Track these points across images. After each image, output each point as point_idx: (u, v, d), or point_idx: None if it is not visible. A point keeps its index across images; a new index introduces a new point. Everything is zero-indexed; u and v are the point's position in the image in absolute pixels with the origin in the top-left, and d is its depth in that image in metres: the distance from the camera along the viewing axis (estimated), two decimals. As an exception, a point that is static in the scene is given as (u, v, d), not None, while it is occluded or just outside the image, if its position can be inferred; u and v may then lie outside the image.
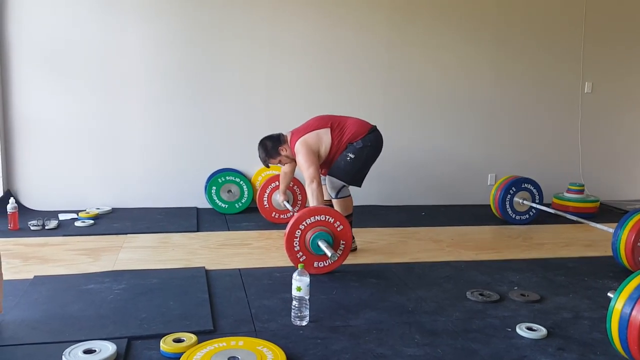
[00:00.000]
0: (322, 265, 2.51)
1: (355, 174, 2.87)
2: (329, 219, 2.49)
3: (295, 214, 2.59)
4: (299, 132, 2.89)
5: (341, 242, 2.52)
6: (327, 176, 2.88)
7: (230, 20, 3.78)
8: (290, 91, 3.95)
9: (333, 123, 2.89)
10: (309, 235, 2.45)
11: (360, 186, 2.94)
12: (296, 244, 2.46)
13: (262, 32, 3.84)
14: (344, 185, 2.85)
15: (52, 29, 3.53)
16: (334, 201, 2.87)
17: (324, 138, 2.84)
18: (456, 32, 4.14)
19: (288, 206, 3.27)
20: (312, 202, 2.71)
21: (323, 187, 3.08)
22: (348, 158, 2.83)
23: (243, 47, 3.82)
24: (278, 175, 3.42)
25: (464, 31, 4.15)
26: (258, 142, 2.96)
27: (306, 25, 3.91)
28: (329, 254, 2.34)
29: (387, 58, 4.07)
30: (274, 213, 3.51)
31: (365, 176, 2.94)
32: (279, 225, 3.46)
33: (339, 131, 2.87)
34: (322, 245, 2.40)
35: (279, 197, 3.35)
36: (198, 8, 3.71)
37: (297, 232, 2.46)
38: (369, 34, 4.00)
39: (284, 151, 2.91)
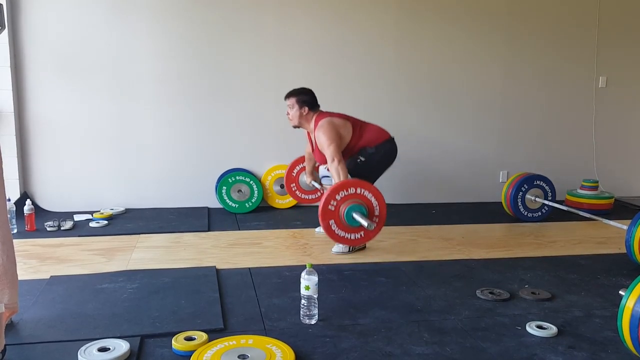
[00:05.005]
0: (353, 237, 2.53)
1: (361, 177, 2.88)
2: (365, 192, 2.49)
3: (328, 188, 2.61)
4: (328, 113, 2.91)
5: (375, 217, 2.53)
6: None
7: (240, 21, 3.80)
8: (299, 91, 3.97)
9: (355, 123, 2.91)
10: (343, 207, 2.46)
11: None
12: (332, 207, 2.47)
13: (272, 32, 3.86)
14: None
15: (66, 33, 3.60)
16: None
17: (348, 129, 2.86)
18: (467, 27, 4.11)
19: (317, 185, 3.28)
20: (337, 180, 2.69)
21: None
22: (358, 160, 2.85)
23: (252, 47, 3.85)
24: (303, 158, 3.45)
25: (476, 26, 4.12)
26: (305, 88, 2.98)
27: (315, 24, 3.92)
28: (365, 223, 2.34)
29: (396, 55, 4.05)
30: (301, 193, 3.56)
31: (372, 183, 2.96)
32: (292, 219, 3.49)
33: (359, 131, 2.88)
34: (358, 216, 2.40)
35: (306, 178, 3.37)
36: (208, 9, 3.75)
37: (332, 202, 2.47)
38: (378, 31, 4.00)
39: (304, 112, 2.91)
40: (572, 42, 4.30)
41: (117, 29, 3.65)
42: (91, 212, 3.60)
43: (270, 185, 3.96)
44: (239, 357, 1.67)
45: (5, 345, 1.68)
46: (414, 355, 1.74)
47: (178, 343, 1.74)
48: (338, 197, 2.48)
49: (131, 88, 3.73)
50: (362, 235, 2.55)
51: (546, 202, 3.65)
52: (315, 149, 2.96)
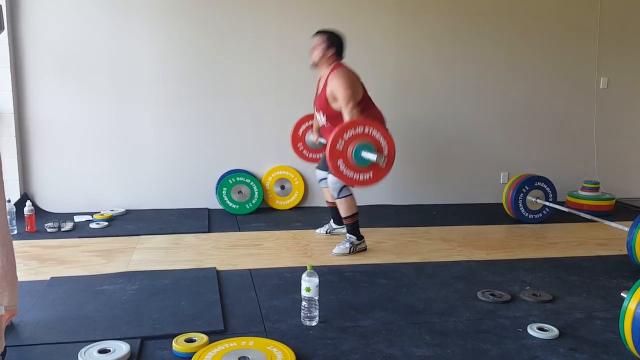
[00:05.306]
0: (362, 177, 2.48)
1: None
2: (373, 132, 2.45)
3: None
4: (348, 68, 2.85)
5: (384, 157, 2.46)
6: (328, 176, 2.87)
7: (240, 21, 3.80)
8: (299, 91, 3.96)
9: (365, 94, 2.87)
10: (351, 147, 2.41)
11: None
12: (339, 146, 2.43)
13: (272, 33, 3.86)
14: (345, 186, 2.84)
15: (66, 33, 3.59)
16: (337, 201, 2.88)
17: (361, 90, 2.82)
18: (467, 28, 4.10)
19: (323, 141, 3.25)
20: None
21: (325, 190, 3.08)
22: None
23: (252, 48, 3.84)
24: (307, 117, 3.38)
25: (476, 27, 4.11)
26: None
27: (315, 24, 3.88)
28: (373, 157, 2.30)
29: (395, 55, 4.05)
30: (308, 152, 3.47)
31: None
32: (292, 220, 3.49)
33: (366, 101, 2.84)
34: (366, 153, 2.36)
35: (312, 137, 3.31)
36: (208, 9, 3.75)
37: (340, 141, 2.42)
38: (378, 31, 3.99)
39: (329, 53, 2.84)
40: (573, 43, 4.29)
41: (117, 29, 3.65)
42: (91, 213, 3.60)
43: (271, 187, 3.95)
44: (239, 359, 1.66)
45: (5, 347, 1.67)
46: (414, 357, 1.73)
47: (178, 345, 1.74)
48: (346, 137, 2.42)
49: (131, 88, 3.73)
50: (371, 175, 2.48)
51: (547, 203, 3.65)
52: (320, 94, 2.89)
